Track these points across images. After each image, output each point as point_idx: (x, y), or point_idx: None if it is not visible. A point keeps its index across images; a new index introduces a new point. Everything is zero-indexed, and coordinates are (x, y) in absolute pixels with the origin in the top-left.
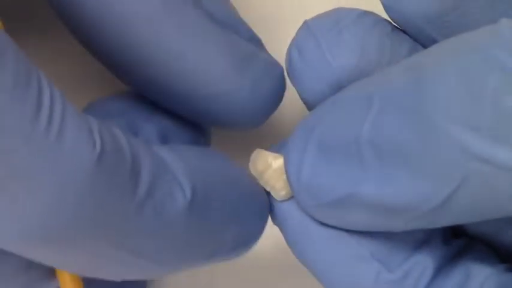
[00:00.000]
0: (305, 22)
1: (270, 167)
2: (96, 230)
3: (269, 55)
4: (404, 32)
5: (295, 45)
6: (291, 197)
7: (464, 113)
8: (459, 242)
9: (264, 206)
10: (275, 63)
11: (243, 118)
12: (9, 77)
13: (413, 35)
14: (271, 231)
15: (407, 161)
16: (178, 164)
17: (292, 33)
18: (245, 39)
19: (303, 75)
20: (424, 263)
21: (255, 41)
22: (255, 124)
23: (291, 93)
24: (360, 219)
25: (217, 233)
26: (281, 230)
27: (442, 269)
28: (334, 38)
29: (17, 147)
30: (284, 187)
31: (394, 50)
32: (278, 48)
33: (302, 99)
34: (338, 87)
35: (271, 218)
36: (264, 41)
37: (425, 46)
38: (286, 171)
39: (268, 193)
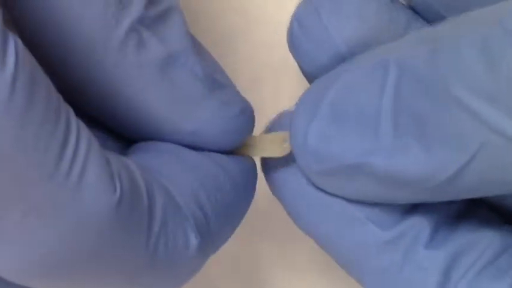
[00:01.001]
0: None
1: (262, 142)
2: (109, 268)
3: (226, 94)
4: (409, 7)
5: (296, 16)
6: (289, 160)
7: (481, 84)
8: (460, 203)
9: (253, 180)
10: (230, 104)
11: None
12: (40, 111)
13: (421, 11)
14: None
15: (422, 131)
16: (174, 193)
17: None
18: (199, 78)
19: (303, 46)
20: (420, 223)
21: (209, 81)
22: None
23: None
24: (363, 189)
25: (221, 239)
26: (279, 198)
27: (441, 229)
28: (333, 7)
29: (39, 183)
30: (282, 150)
31: (392, 21)
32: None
33: (303, 72)
34: (338, 57)
35: (270, 188)
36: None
37: (432, 22)
38: (291, 133)
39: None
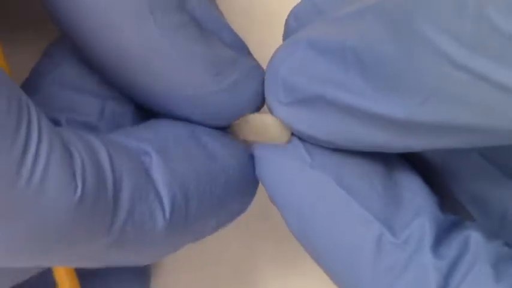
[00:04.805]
0: None
1: (262, 124)
2: (73, 253)
3: (252, 60)
4: None
5: (293, 11)
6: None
7: (446, 20)
8: (454, 216)
9: (252, 179)
10: (257, 68)
11: (216, 120)
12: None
13: None
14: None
15: (386, 68)
16: (162, 172)
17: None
18: (226, 43)
19: None
20: (424, 229)
21: (238, 45)
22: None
23: None
24: (332, 123)
25: (199, 226)
26: (279, 207)
27: (442, 236)
28: None
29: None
30: (282, 133)
31: None
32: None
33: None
34: None
35: (270, 198)
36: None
37: None
38: (267, 68)
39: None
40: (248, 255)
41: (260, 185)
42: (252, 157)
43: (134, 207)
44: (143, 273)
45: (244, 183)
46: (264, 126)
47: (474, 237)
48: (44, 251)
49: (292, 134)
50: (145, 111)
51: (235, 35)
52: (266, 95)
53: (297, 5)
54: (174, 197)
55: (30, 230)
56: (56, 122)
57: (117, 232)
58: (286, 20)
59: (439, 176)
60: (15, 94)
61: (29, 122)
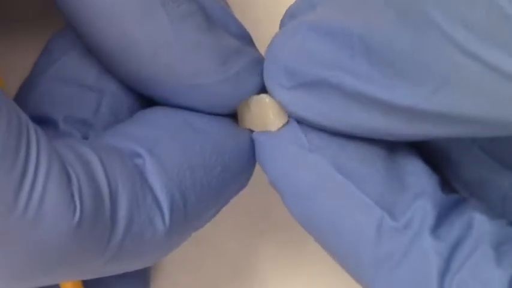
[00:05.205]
0: None
1: (260, 104)
2: (72, 271)
3: (256, 52)
4: None
5: (289, 10)
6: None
7: (459, 9)
8: (457, 195)
9: (247, 165)
10: (260, 57)
11: (219, 108)
12: None
13: None
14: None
15: (395, 54)
16: (157, 174)
17: None
18: (232, 34)
19: None
20: (425, 210)
21: (243, 37)
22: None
23: None
24: (335, 107)
25: (199, 220)
26: (280, 191)
27: (443, 218)
28: None
29: None
30: (276, 116)
31: None
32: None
33: None
34: None
35: (271, 184)
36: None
37: None
38: (266, 53)
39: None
40: (247, 255)
41: (259, 183)
42: (252, 143)
43: (132, 218)
44: (143, 275)
45: (239, 169)
46: (262, 106)
47: (478, 217)
48: (46, 272)
49: (290, 119)
50: (144, 105)
51: (240, 25)
52: (266, 80)
53: (292, 4)
54: (173, 199)
55: (30, 255)
56: (53, 122)
57: (115, 248)
58: (281, 19)
59: (437, 164)
60: (15, 114)
61: (28, 144)
